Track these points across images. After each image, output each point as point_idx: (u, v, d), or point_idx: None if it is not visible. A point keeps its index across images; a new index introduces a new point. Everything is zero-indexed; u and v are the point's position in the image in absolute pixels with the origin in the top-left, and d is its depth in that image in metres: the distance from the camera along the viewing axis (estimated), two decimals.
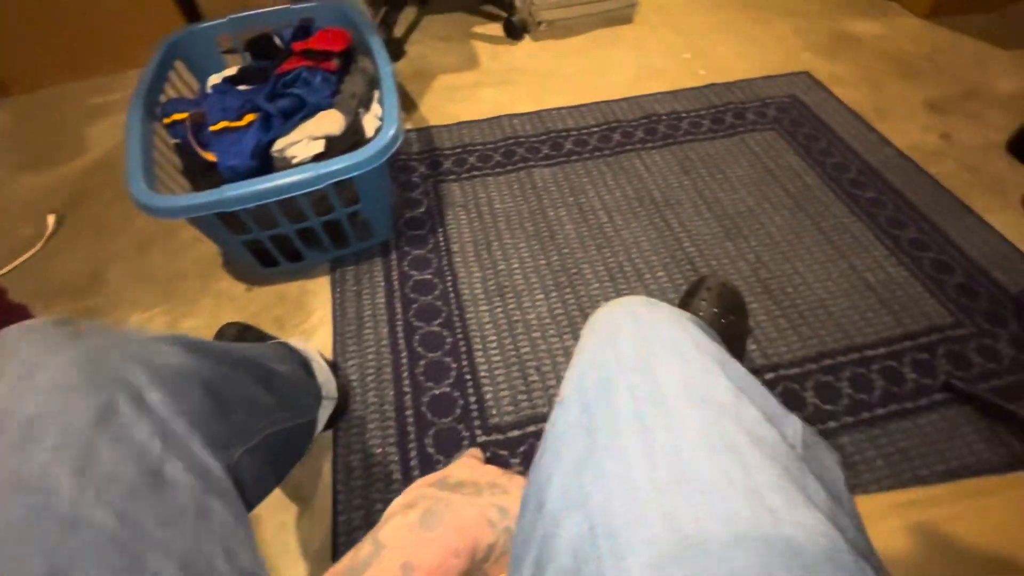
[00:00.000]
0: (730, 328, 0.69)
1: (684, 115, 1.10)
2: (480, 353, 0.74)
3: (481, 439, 0.66)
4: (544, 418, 0.67)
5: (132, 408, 0.27)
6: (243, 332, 0.73)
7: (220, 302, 0.84)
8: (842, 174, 0.97)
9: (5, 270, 0.88)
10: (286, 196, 0.67)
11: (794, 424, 0.27)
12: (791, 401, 0.68)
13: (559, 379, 0.71)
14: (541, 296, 0.81)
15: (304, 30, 0.98)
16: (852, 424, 0.66)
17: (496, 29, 1.40)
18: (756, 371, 0.71)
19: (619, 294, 0.80)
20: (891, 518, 0.24)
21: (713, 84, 1.18)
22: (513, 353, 0.74)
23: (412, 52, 1.33)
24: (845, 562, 0.19)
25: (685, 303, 0.72)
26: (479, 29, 1.41)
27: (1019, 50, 1.27)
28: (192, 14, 1.30)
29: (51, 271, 0.89)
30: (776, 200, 0.93)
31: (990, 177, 0.98)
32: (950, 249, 0.85)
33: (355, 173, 0.68)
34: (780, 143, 1.03)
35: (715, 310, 0.69)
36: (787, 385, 0.70)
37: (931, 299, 0.78)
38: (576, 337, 0.75)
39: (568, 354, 0.74)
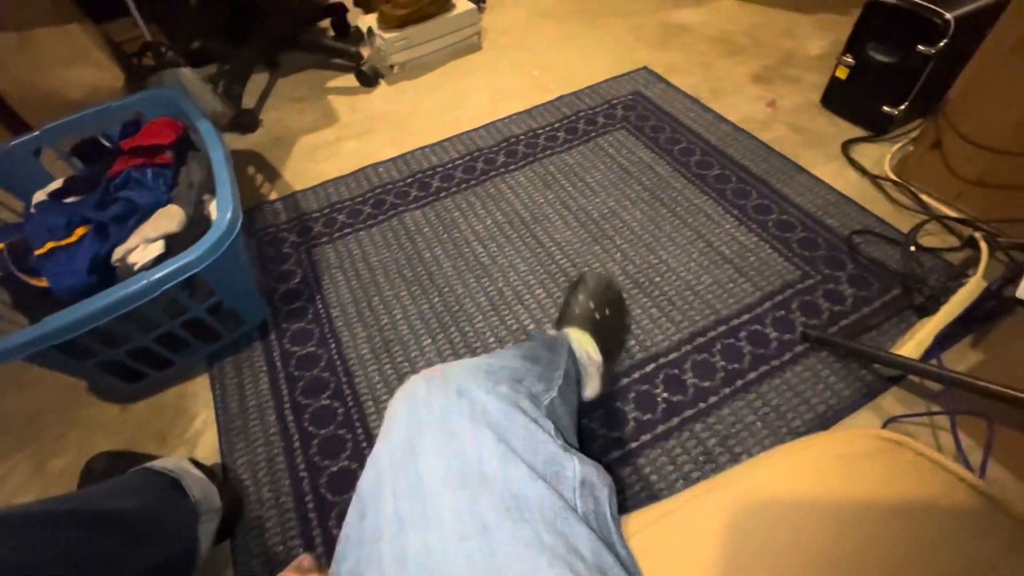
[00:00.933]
0: (605, 323, 0.70)
1: (540, 131, 1.15)
2: (374, 417, 0.73)
3: None
4: None
5: None
6: (113, 461, 0.68)
7: (90, 431, 0.78)
8: (689, 157, 1.04)
9: None
10: (121, 312, 0.63)
11: (574, 466, 0.28)
12: (673, 386, 0.72)
13: None
14: (428, 341, 0.81)
15: (135, 125, 0.94)
16: (729, 394, 0.70)
17: (350, 80, 1.40)
18: (638, 365, 0.75)
19: (503, 322, 0.82)
20: (648, 530, 0.26)
21: (563, 96, 1.24)
22: None
23: (269, 119, 1.31)
24: None
25: (565, 301, 0.73)
26: (333, 83, 1.41)
27: (821, 14, 1.42)
28: (18, 126, 1.22)
29: None
30: (634, 195, 0.98)
31: (813, 133, 1.08)
32: (789, 208, 0.93)
33: (194, 271, 0.65)
34: (630, 140, 1.10)
35: (590, 306, 0.70)
36: (667, 372, 0.73)
37: (780, 258, 0.85)
38: None
39: None
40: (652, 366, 0.74)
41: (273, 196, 1.10)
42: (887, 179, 0.94)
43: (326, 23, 1.58)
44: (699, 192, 0.97)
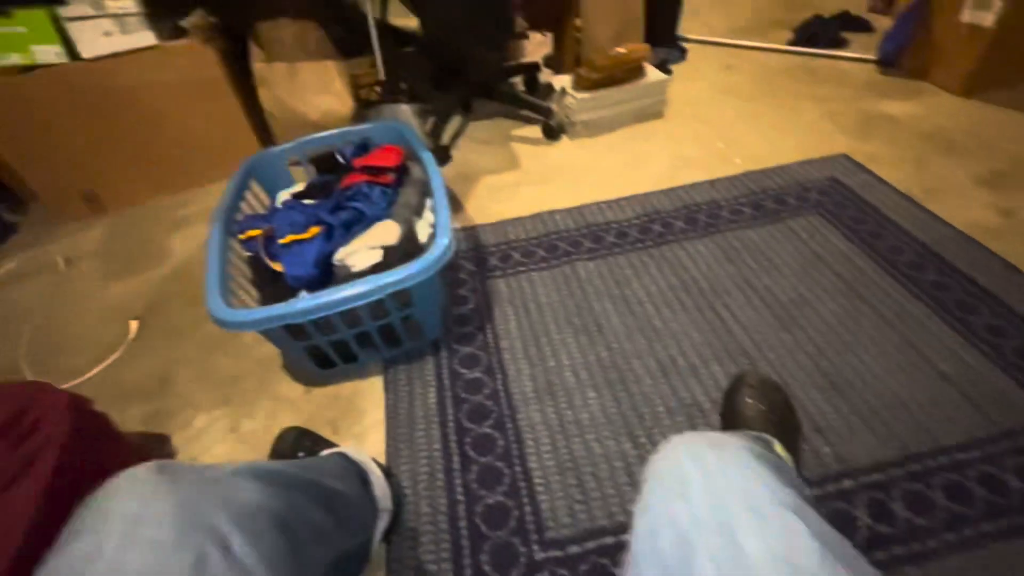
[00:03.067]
0: (782, 426, 0.65)
1: (723, 203, 1.12)
2: (533, 457, 0.73)
3: (539, 556, 0.63)
4: (604, 531, 0.63)
5: (221, 560, 0.28)
6: (300, 437, 0.75)
7: (278, 404, 0.86)
8: (897, 256, 0.94)
9: (92, 374, 0.95)
10: (348, 307, 0.70)
11: None
12: (878, 514, 0.62)
13: (617, 487, 0.68)
14: (593, 394, 0.79)
15: (363, 147, 1.09)
16: (956, 544, 0.59)
17: (534, 131, 1.50)
18: (832, 477, 0.66)
19: (674, 392, 0.78)
20: None
21: (749, 172, 1.21)
22: (568, 457, 0.72)
23: (457, 156, 1.44)
24: None
25: (729, 401, 0.70)
26: (518, 132, 1.52)
27: None
28: (266, 137, 1.47)
29: (127, 374, 0.95)
30: (828, 286, 0.90)
31: None
32: None
33: (411, 283, 0.71)
34: (825, 227, 1.03)
35: (762, 407, 0.66)
36: (871, 495, 0.64)
37: (1022, 392, 0.72)
38: (633, 441, 0.73)
39: (625, 459, 0.71)
40: (850, 482, 0.65)
41: (456, 225, 1.19)
42: None
43: (518, 78, 1.73)
44: (910, 296, 0.87)
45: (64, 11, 1.16)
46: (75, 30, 1.18)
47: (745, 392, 0.69)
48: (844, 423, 0.71)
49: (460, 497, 0.69)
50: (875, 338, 0.81)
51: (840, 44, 1.72)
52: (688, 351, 0.83)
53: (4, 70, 1.18)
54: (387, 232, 0.86)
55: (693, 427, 0.73)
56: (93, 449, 0.64)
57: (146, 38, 1.23)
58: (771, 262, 0.97)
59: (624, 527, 0.64)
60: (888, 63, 1.52)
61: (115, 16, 1.19)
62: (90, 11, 1.17)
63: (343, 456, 0.62)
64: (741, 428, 0.65)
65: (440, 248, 0.74)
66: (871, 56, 1.57)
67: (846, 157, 1.21)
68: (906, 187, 1.11)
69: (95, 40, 1.20)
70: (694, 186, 1.18)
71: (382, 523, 0.60)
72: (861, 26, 1.80)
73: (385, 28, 1.31)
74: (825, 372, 0.77)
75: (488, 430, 0.77)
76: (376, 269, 0.84)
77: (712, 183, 1.18)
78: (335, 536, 0.47)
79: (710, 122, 1.44)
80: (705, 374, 0.80)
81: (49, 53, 1.19)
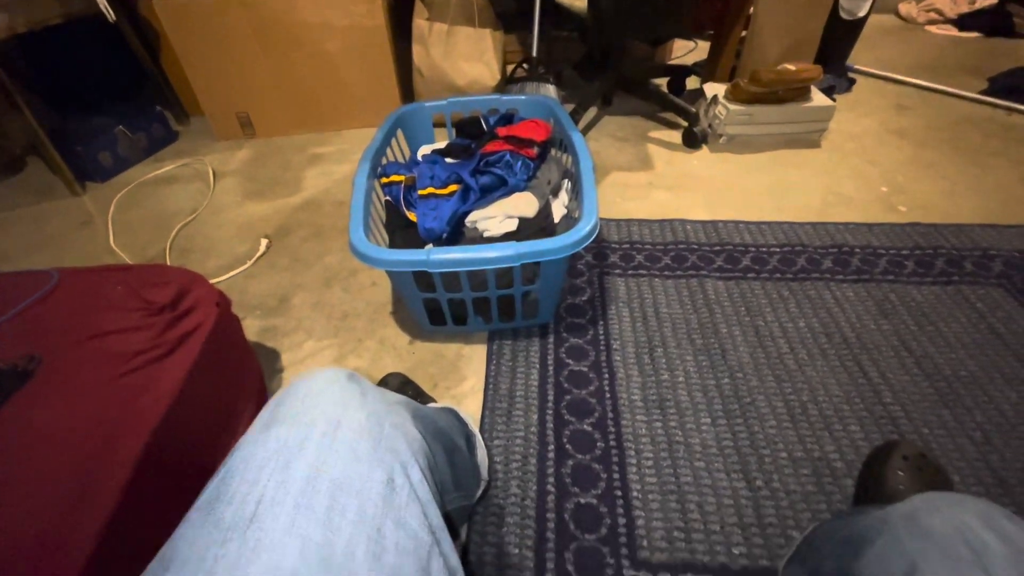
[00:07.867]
0: None
1: (882, 251, 1.00)
2: (634, 469, 0.68)
3: (628, 572, 0.58)
4: (704, 568, 0.58)
5: (404, 485, 0.27)
6: (404, 385, 0.75)
7: (383, 348, 0.88)
8: None
9: (223, 279, 1.02)
10: (482, 268, 0.69)
11: None
12: None
13: (723, 525, 0.62)
14: (707, 420, 0.73)
15: (508, 118, 1.08)
16: None
17: (671, 135, 1.43)
18: None
19: (801, 441, 0.70)
20: None
21: (917, 223, 1.07)
22: (672, 479, 0.67)
23: (590, 147, 1.40)
24: None
25: (872, 470, 0.61)
26: (655, 134, 1.45)
27: None
28: (408, 93, 1.52)
29: (252, 287, 1.01)
30: (1009, 372, 0.77)
31: None
32: None
33: (551, 257, 0.69)
34: (1010, 304, 0.88)
35: (916, 487, 0.57)
36: None
37: None
38: (748, 481, 0.66)
39: (736, 498, 0.64)
40: None
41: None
42: None
43: (663, 79, 1.66)
44: None
45: None
46: None
47: (896, 463, 0.60)
48: None
49: (551, 488, 0.66)
50: None
51: None
52: (823, 402, 0.75)
53: None
54: (526, 204, 0.85)
55: (819, 484, 0.65)
56: (226, 345, 0.67)
57: None
58: (936, 328, 0.85)
59: (726, 570, 0.58)
60: None
61: None
62: None
63: (455, 414, 0.60)
64: (884, 503, 0.57)
65: (585, 230, 0.70)
66: None
67: None
68: None
69: None
70: (848, 226, 1.07)
71: (479, 492, 0.58)
72: None
73: (549, 7, 1.29)
74: (994, 468, 0.66)
75: (588, 428, 0.73)
76: (508, 238, 0.83)
77: (870, 227, 1.06)
78: (451, 494, 0.46)
79: (873, 162, 1.30)
80: (840, 431, 0.71)
81: None
